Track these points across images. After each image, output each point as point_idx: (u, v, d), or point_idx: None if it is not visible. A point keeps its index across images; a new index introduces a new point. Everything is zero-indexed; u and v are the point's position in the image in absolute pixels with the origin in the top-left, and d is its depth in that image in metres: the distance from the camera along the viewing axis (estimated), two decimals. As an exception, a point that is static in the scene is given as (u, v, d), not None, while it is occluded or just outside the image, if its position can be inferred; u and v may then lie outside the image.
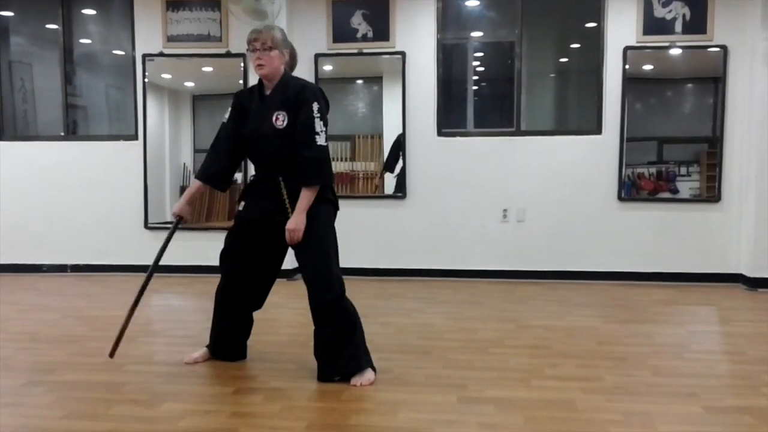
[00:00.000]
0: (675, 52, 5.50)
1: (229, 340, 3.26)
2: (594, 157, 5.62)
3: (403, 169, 5.80)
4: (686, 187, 5.63)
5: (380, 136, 5.96)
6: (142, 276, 3.13)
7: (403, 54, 5.72)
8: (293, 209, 2.91)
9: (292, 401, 2.75)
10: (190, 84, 6.46)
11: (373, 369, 2.99)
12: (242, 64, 5.71)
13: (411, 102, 5.76)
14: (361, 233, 5.70)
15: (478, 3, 5.90)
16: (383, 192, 5.94)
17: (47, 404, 2.71)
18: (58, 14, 6.02)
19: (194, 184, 3.23)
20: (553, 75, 6.30)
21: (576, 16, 5.90)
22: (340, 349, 2.93)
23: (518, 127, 5.75)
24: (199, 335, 3.60)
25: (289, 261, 3.22)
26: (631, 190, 5.65)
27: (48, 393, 2.84)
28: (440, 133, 5.77)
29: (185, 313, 4.72)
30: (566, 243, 5.66)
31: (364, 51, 5.76)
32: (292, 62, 3.13)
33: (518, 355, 3.40)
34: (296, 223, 2.88)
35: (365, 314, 3.12)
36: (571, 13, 5.93)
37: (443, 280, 5.67)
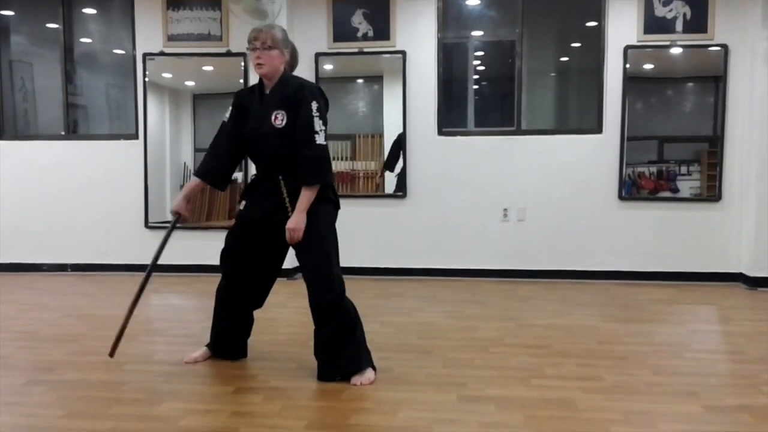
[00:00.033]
0: (676, 51, 5.50)
1: (229, 339, 3.26)
2: (594, 156, 5.61)
3: (404, 168, 5.80)
4: (687, 186, 5.62)
5: (381, 136, 5.96)
6: (143, 275, 3.13)
7: (403, 53, 5.72)
8: (293, 208, 2.91)
9: (293, 400, 2.75)
10: (190, 83, 6.46)
11: (374, 368, 2.99)
12: (243, 64, 5.71)
13: (411, 101, 5.76)
14: (362, 232, 5.70)
15: (478, 2, 5.89)
16: (384, 191, 5.94)
17: (47, 403, 2.71)
18: (59, 13, 6.02)
19: (193, 180, 3.23)
20: (553, 74, 6.30)
21: (577, 15, 5.89)
22: (341, 349, 2.93)
23: (519, 126, 5.74)
24: (200, 334, 3.60)
25: (290, 260, 3.22)
26: (631, 189, 5.65)
27: (48, 392, 2.84)
28: (441, 133, 5.77)
29: (185, 313, 4.72)
30: (567, 242, 5.66)
31: (365, 50, 5.76)
32: (293, 62, 3.13)
33: (518, 354, 3.40)
34: (296, 222, 2.88)
35: (365, 313, 3.12)
36: (571, 12, 5.93)
37: (443, 280, 5.67)
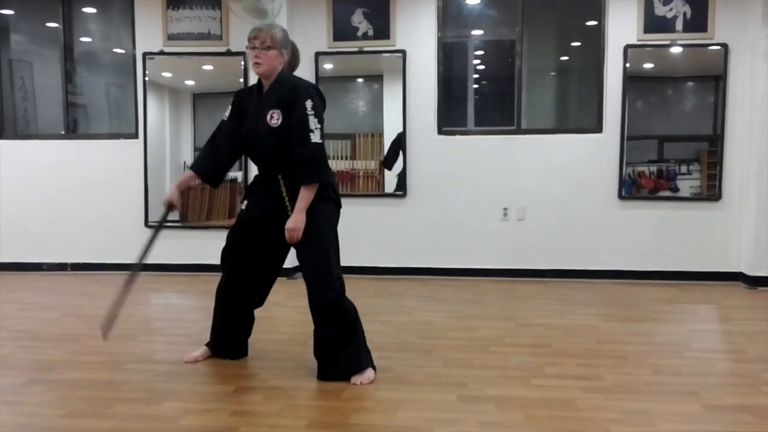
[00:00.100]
0: (676, 50, 5.49)
1: (229, 338, 3.26)
2: (594, 155, 5.61)
3: (404, 167, 5.80)
4: (687, 185, 5.62)
5: (381, 135, 5.95)
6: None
7: (403, 52, 5.71)
8: (293, 208, 2.90)
9: (293, 400, 2.75)
10: (190, 82, 6.46)
11: (374, 368, 2.99)
12: (242, 63, 5.71)
13: (411, 100, 5.75)
14: (362, 232, 5.69)
15: (478, 1, 5.89)
16: (384, 190, 5.94)
17: (47, 403, 2.72)
18: (59, 12, 6.02)
19: (187, 173, 3.25)
20: (553, 73, 6.30)
21: (577, 15, 5.89)
22: (340, 349, 2.93)
23: (519, 125, 5.74)
24: (200, 334, 3.60)
25: (290, 260, 3.21)
26: (631, 188, 5.65)
27: (48, 391, 2.84)
28: (441, 132, 5.76)
29: (185, 312, 4.72)
30: (567, 241, 5.66)
31: (365, 49, 5.75)
32: (294, 61, 3.12)
33: (518, 354, 3.40)
34: (295, 222, 2.88)
35: (365, 313, 3.12)
36: (571, 11, 5.93)
37: (443, 279, 5.66)
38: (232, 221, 3.25)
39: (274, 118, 2.94)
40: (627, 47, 5.49)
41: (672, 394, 2.82)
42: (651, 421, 2.51)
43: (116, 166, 5.95)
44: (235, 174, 5.78)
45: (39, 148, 6.05)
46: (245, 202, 3.16)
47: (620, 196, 5.60)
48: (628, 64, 5.51)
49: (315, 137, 2.87)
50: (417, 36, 5.71)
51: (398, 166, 5.84)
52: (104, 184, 5.95)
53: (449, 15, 5.79)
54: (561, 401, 2.71)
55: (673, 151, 5.71)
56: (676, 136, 5.76)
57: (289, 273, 5.27)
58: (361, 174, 5.95)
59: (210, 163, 3.17)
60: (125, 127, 6.09)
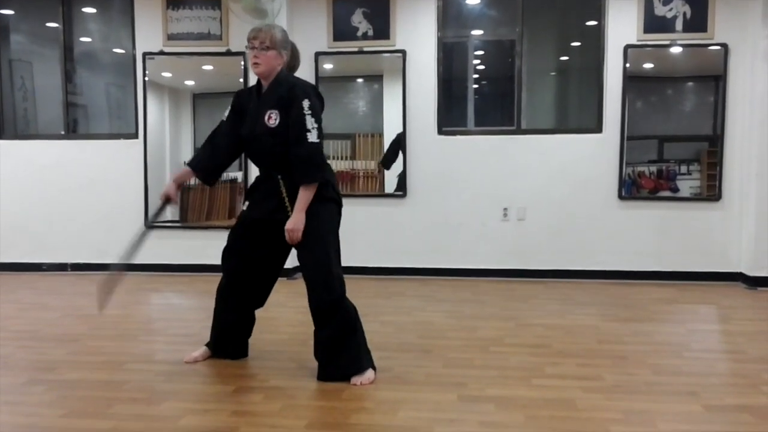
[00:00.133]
0: (675, 50, 5.49)
1: (229, 338, 3.26)
2: (594, 155, 5.61)
3: (404, 167, 5.80)
4: (687, 185, 5.62)
5: (381, 135, 5.95)
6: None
7: (403, 52, 5.71)
8: (293, 208, 2.90)
9: (293, 400, 2.75)
10: (190, 82, 6.46)
11: (374, 368, 2.99)
12: (242, 63, 5.70)
13: (411, 100, 5.75)
14: (362, 232, 5.69)
15: (478, 1, 5.89)
16: (384, 191, 5.94)
17: (47, 403, 2.72)
18: (59, 12, 6.02)
19: (184, 169, 3.26)
20: (553, 73, 6.30)
21: (576, 15, 5.89)
22: (341, 350, 2.93)
23: (519, 125, 5.74)
24: (200, 334, 3.59)
25: (290, 260, 3.21)
26: (631, 188, 5.65)
27: (48, 391, 2.84)
28: (441, 132, 5.76)
29: (186, 312, 4.71)
30: (567, 242, 5.66)
31: (365, 49, 5.75)
32: (293, 62, 3.12)
33: (519, 354, 3.40)
34: (295, 222, 2.88)
35: (365, 313, 3.12)
36: (571, 11, 5.93)
37: (443, 279, 5.66)
38: (232, 221, 3.26)
39: (272, 118, 2.94)
40: (627, 47, 5.49)
41: (672, 394, 2.82)
42: (651, 421, 2.51)
43: (116, 166, 5.95)
44: (234, 174, 5.78)
45: (39, 148, 6.05)
46: (246, 203, 3.16)
47: (620, 197, 5.60)
48: (628, 64, 5.51)
49: (312, 137, 2.86)
50: (417, 36, 5.71)
51: (398, 166, 5.84)
52: (104, 184, 5.95)
53: (449, 15, 5.79)
54: (561, 401, 2.71)
55: (673, 151, 5.71)
56: (676, 136, 5.76)
57: (289, 273, 5.27)
58: (361, 174, 5.95)
59: (207, 161, 3.18)
60: (125, 127, 6.09)
